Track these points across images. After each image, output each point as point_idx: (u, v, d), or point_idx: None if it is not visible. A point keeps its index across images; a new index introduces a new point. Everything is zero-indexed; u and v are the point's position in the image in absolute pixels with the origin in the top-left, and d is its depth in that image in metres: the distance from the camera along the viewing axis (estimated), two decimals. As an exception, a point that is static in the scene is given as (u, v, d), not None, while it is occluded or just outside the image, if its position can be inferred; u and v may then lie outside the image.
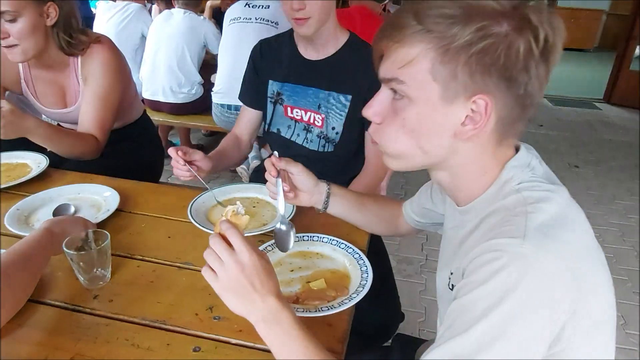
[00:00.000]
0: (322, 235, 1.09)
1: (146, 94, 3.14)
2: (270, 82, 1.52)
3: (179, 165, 1.20)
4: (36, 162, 1.50)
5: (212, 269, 0.72)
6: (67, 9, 1.47)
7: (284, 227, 0.99)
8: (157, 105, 3.17)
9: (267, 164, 1.03)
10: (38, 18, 1.40)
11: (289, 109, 1.52)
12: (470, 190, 0.72)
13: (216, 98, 2.89)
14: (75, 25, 1.51)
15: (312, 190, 1.05)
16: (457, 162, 0.70)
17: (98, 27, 3.27)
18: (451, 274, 0.75)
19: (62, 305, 0.91)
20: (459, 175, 0.72)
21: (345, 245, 1.06)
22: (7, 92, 1.65)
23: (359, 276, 0.96)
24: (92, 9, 3.98)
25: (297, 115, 1.51)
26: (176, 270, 1.02)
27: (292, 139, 1.53)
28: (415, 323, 2.13)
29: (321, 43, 1.41)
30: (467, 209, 0.73)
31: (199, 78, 3.15)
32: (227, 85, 2.77)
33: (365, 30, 2.31)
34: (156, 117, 3.17)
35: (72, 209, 1.22)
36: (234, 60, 2.73)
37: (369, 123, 0.73)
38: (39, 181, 1.41)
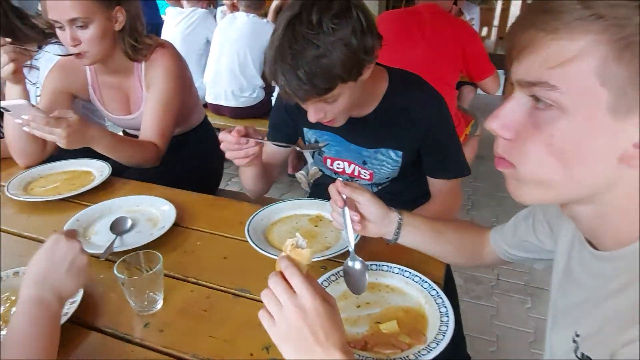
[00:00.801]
0: (393, 265, 0.96)
1: (209, 98, 3.16)
2: (306, 129, 1.33)
3: (236, 143, 1.06)
4: (99, 171, 1.49)
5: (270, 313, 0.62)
6: (133, 13, 1.45)
7: (357, 266, 0.87)
8: (219, 109, 3.17)
9: (331, 191, 0.91)
10: (107, 23, 1.38)
11: (328, 160, 1.34)
12: (622, 233, 0.54)
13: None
14: (141, 30, 1.49)
15: (381, 220, 0.92)
16: (613, 195, 0.52)
17: (166, 33, 3.34)
18: (577, 336, 0.57)
19: (112, 333, 0.85)
20: (611, 212, 0.54)
21: (420, 278, 0.92)
22: (75, 99, 1.66)
23: (437, 318, 0.82)
24: (162, 16, 4.09)
25: (338, 168, 1.34)
26: (231, 298, 0.93)
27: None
28: (485, 353, 1.93)
29: (359, 104, 1.15)
30: (614, 257, 0.55)
31: (260, 82, 3.12)
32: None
33: (437, 30, 2.15)
34: (218, 121, 3.17)
35: (129, 223, 1.17)
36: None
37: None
38: (101, 190, 1.39)
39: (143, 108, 1.59)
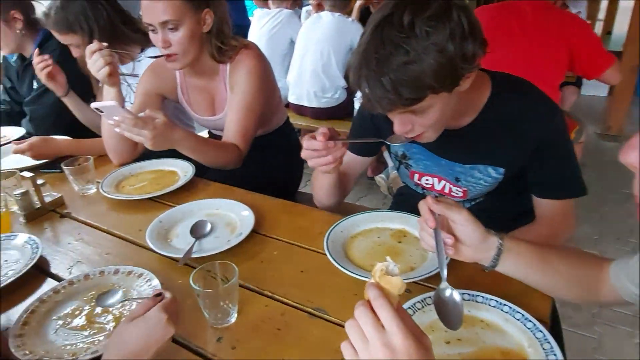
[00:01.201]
0: (489, 297, 0.84)
1: (291, 98, 3.17)
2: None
3: (324, 148, 0.98)
4: (184, 171, 1.52)
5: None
6: (220, 15, 1.45)
7: (453, 296, 0.76)
8: (300, 110, 3.17)
9: (422, 208, 0.81)
10: (196, 25, 1.40)
11: (416, 175, 1.23)
12: None
13: (358, 104, 2.76)
14: (227, 32, 1.50)
15: (478, 245, 0.80)
16: None
17: (252, 35, 3.41)
18: None
19: (185, 345, 0.83)
20: None
21: (522, 315, 0.80)
22: (165, 100, 1.71)
23: (544, 367, 0.70)
24: (250, 18, 4.19)
25: (427, 184, 1.22)
26: (307, 317, 0.87)
27: (422, 196, 1.29)
28: (586, 391, 1.71)
29: (454, 115, 1.00)
30: None
31: (343, 82, 3.06)
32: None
33: (540, 25, 1.94)
34: (299, 122, 3.17)
35: (208, 228, 1.16)
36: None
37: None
38: (185, 191, 1.41)
39: (227, 110, 1.60)
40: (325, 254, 1.01)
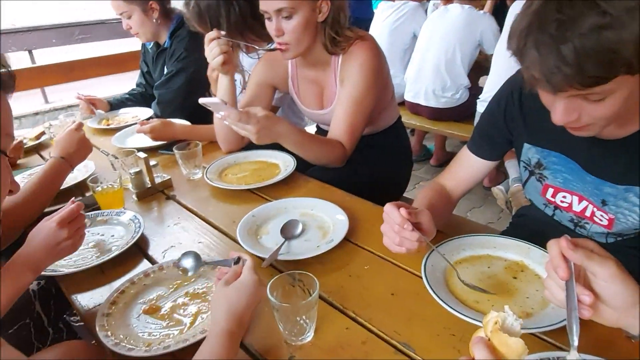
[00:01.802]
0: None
1: (408, 96, 3.01)
2: (527, 146, 1.03)
3: (402, 231, 0.83)
4: (285, 164, 1.49)
5: None
6: (337, 3, 1.38)
7: None
8: (416, 109, 2.99)
9: (551, 249, 0.64)
10: (311, 13, 1.34)
11: (550, 190, 1.01)
12: None
13: (482, 107, 2.51)
14: (343, 22, 1.41)
15: (626, 309, 0.61)
16: None
17: (374, 28, 3.30)
18: None
19: (256, 356, 0.77)
20: None
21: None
22: (276, 91, 1.70)
23: None
24: (374, 11, 4.09)
25: (562, 203, 1.00)
26: (391, 352, 0.75)
27: (551, 220, 1.06)
28: None
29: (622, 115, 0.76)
30: None
31: (466, 81, 2.81)
32: (498, 92, 2.35)
33: None
34: (413, 121, 3.00)
35: (300, 228, 1.10)
36: (510, 63, 2.28)
37: None
38: (283, 185, 1.38)
39: (335, 104, 1.52)
40: (421, 277, 0.88)
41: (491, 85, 2.49)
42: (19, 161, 1.78)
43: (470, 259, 0.94)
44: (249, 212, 1.18)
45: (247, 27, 1.72)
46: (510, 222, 1.29)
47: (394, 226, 0.84)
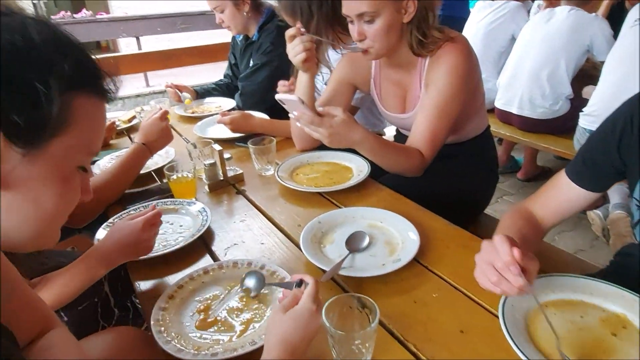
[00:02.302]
0: None
1: (499, 103, 2.79)
2: None
3: (506, 271, 0.72)
4: (359, 169, 1.42)
5: None
6: (425, 2, 1.28)
7: None
8: (507, 117, 2.77)
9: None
10: (395, 15, 1.26)
11: None
12: None
13: (585, 121, 2.24)
14: (431, 22, 1.31)
15: None
16: None
17: (469, 28, 3.11)
18: None
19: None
20: None
21: None
22: (356, 91, 1.63)
23: None
24: (471, 10, 3.86)
25: None
26: (453, 402, 0.67)
27: None
28: None
29: None
30: None
31: (568, 91, 2.54)
32: (605, 107, 2.09)
33: None
34: (503, 131, 2.78)
35: (366, 242, 1.03)
36: (626, 75, 2.02)
37: None
38: (354, 191, 1.31)
39: (418, 108, 1.42)
40: (497, 316, 0.77)
41: (599, 97, 2.22)
42: (110, 141, 1.89)
43: (559, 303, 0.81)
44: (315, 217, 1.13)
45: (338, 20, 1.68)
46: (611, 260, 1.11)
47: (497, 262, 0.73)
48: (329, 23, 1.62)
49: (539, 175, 3.16)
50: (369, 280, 0.92)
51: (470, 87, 1.37)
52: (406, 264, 0.94)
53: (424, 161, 1.33)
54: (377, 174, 1.41)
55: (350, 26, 1.32)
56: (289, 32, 1.42)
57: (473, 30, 3.04)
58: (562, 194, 0.99)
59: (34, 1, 7.61)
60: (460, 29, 3.22)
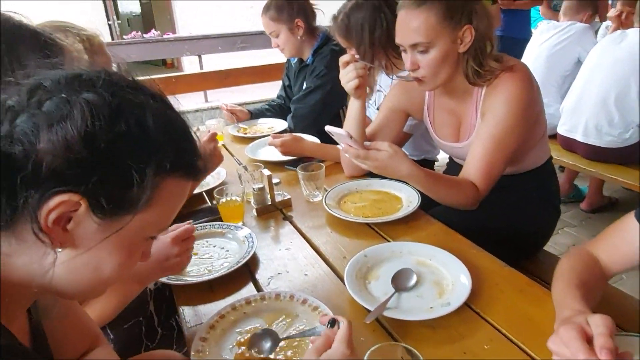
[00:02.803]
0: None
1: (562, 129, 2.63)
2: None
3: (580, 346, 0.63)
4: (409, 199, 1.38)
5: None
6: (483, 31, 1.23)
7: None
8: (570, 145, 2.60)
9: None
10: (450, 45, 1.22)
11: None
12: None
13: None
14: (489, 51, 1.26)
15: None
16: None
17: (530, 50, 2.98)
18: None
19: None
20: None
21: None
22: (409, 118, 1.60)
23: None
24: (533, 30, 3.72)
25: None
26: None
27: None
28: None
29: None
30: None
31: (639, 119, 2.36)
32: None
33: None
34: (566, 159, 2.62)
35: (413, 280, 0.98)
36: None
37: None
38: (403, 223, 1.28)
39: (472, 138, 1.37)
40: (557, 377, 0.70)
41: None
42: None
43: (629, 368, 0.73)
44: (361, 250, 1.10)
45: (391, 43, 1.67)
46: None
47: (577, 354, 0.63)
48: (383, 48, 1.61)
49: (605, 207, 2.94)
50: (415, 324, 0.87)
51: (530, 118, 1.30)
52: (456, 309, 0.89)
53: (478, 194, 1.27)
54: (428, 205, 1.36)
55: (403, 54, 1.29)
56: (343, 59, 1.42)
57: (535, 52, 2.91)
58: (632, 239, 0.89)
59: (109, 22, 8.22)
60: (521, 51, 3.10)
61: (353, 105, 1.48)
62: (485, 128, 1.29)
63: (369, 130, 1.59)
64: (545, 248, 1.61)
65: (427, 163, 1.96)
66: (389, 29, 1.66)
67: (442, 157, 1.99)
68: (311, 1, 2.18)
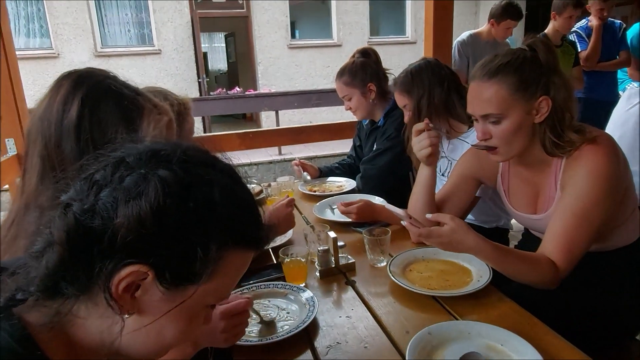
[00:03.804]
0: None
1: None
2: None
3: None
4: (479, 274, 1.30)
5: None
6: (561, 102, 1.18)
7: None
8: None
9: None
10: (525, 117, 1.19)
11: None
12: None
13: None
14: (568, 121, 1.20)
15: None
16: None
17: (616, 114, 2.79)
18: None
19: None
20: None
21: None
22: (481, 185, 1.55)
23: None
24: (620, 93, 3.52)
25: None
26: None
27: None
28: None
29: None
30: None
31: None
32: None
33: None
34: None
35: (482, 365, 0.91)
36: None
37: None
38: (471, 299, 1.20)
39: (551, 211, 1.28)
40: None
41: None
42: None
43: None
44: (425, 327, 1.04)
45: (449, 109, 1.68)
46: None
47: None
48: (440, 111, 1.62)
49: None
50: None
51: (616, 194, 1.21)
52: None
53: (558, 274, 1.17)
54: (501, 280, 1.27)
55: (475, 124, 1.27)
56: (416, 127, 1.43)
57: (623, 117, 2.72)
58: None
59: (199, 80, 9.02)
60: (606, 114, 2.92)
61: (423, 172, 1.47)
62: (567, 202, 1.21)
63: (438, 196, 1.55)
64: (638, 337, 1.42)
65: (500, 231, 1.86)
66: (448, 92, 1.68)
67: (518, 226, 1.88)
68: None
